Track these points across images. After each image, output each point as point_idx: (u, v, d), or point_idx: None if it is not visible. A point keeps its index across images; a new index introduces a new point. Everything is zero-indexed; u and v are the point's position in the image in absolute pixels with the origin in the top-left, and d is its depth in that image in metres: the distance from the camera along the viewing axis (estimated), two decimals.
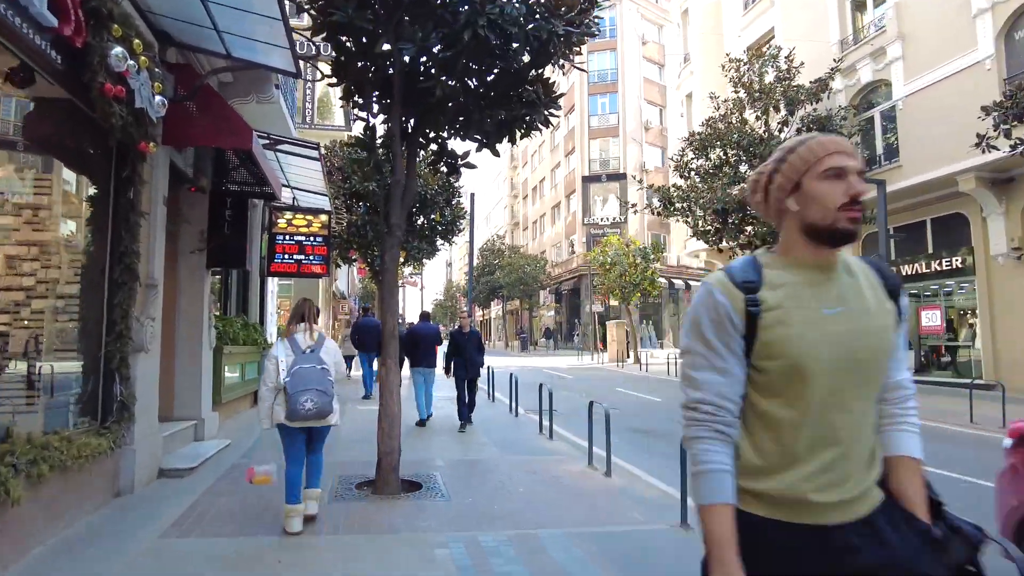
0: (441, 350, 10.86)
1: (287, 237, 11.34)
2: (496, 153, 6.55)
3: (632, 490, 5.76)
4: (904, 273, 15.25)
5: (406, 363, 9.80)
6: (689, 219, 16.92)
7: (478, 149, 6.50)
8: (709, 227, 16.91)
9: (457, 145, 6.57)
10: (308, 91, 18.05)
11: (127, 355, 5.08)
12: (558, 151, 45.47)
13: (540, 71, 5.94)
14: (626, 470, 6.65)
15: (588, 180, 40.05)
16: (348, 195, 14.77)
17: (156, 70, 5.13)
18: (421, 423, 9.14)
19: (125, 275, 5.05)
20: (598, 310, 33.41)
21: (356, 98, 6.01)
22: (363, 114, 6.27)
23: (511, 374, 10.99)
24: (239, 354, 9.06)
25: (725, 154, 17.00)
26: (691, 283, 40.18)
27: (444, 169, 6.93)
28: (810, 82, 15.61)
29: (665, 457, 7.53)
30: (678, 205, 16.99)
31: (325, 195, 10.83)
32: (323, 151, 8.97)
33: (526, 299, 46.24)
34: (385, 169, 6.29)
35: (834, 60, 15.94)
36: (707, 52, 23.81)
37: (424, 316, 11.07)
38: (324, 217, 11.46)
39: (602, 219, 39.39)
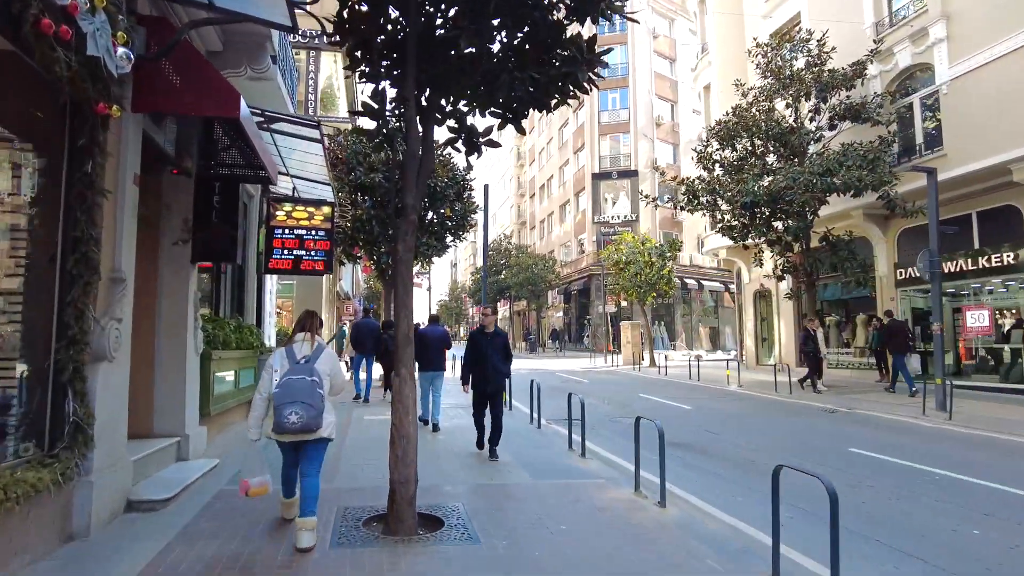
0: (450, 353, 10.29)
1: (286, 231, 10.41)
2: (521, 129, 5.63)
3: (695, 525, 4.78)
4: (945, 270, 14.22)
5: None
6: (716, 213, 15.91)
7: (501, 125, 5.58)
8: (735, 222, 15.92)
9: (476, 123, 5.65)
10: (311, 81, 17.21)
11: (83, 365, 4.13)
12: (566, 148, 44.50)
13: (581, 26, 5.00)
14: (680, 498, 5.68)
15: (598, 177, 39.05)
16: (352, 188, 13.88)
17: (120, 17, 4.19)
18: (425, 423, 8.94)
19: (81, 267, 4.11)
20: (611, 311, 32.38)
21: (363, 67, 5.08)
22: (371, 86, 5.34)
23: (532, 380, 10.01)
24: (231, 359, 8.12)
25: (752, 144, 16.02)
26: (704, 283, 39.15)
27: (462, 149, 5.95)
28: (847, 66, 14.59)
29: (716, 477, 6.59)
30: (703, 199, 15.98)
31: (328, 184, 9.90)
32: (324, 135, 8.03)
33: (533, 300, 45.26)
34: (398, 141, 5.32)
35: (874, 41, 14.92)
36: (726, 41, 22.82)
37: (433, 319, 10.44)
38: (327, 209, 10.51)
39: (613, 217, 38.38)
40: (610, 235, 37.62)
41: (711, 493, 5.94)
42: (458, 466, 6.77)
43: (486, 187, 12.29)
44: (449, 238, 15.75)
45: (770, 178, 14.62)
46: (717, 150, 16.66)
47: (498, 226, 63.07)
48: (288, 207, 10.45)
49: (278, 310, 19.40)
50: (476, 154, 5.94)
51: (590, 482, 6.06)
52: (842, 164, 13.43)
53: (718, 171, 16.67)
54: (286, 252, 10.43)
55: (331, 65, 20.48)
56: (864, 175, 13.14)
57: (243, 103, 5.30)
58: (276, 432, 4.07)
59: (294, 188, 10.62)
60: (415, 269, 33.59)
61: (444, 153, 14.81)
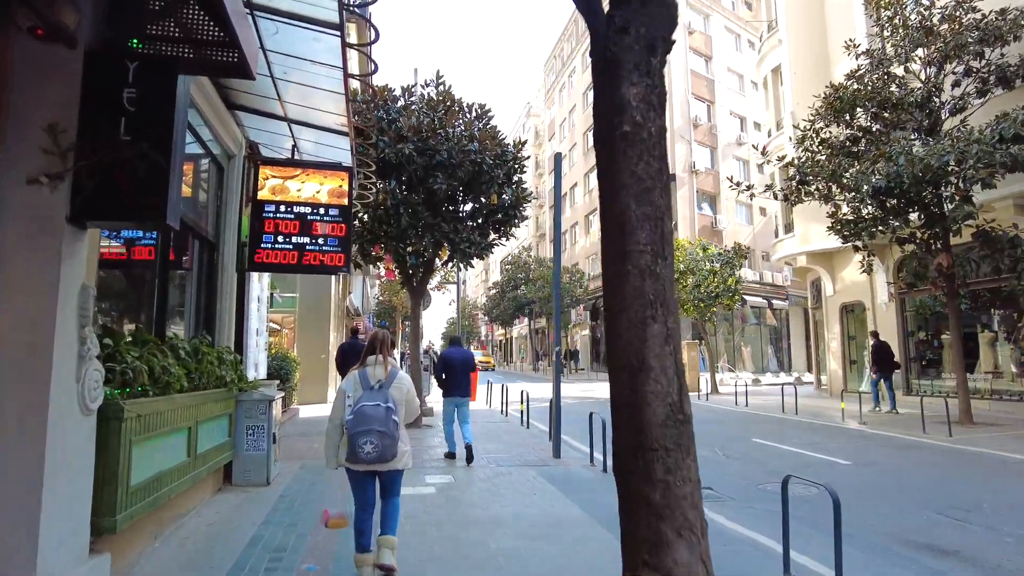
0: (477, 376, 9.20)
1: (282, 209, 7.11)
2: None
3: None
4: None
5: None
6: (841, 201, 12.50)
7: None
8: (853, 215, 12.53)
9: None
10: None
11: None
12: (592, 153, 41.26)
13: None
14: None
15: None
16: (375, 167, 10.55)
17: None
18: (450, 455, 8.32)
19: None
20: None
21: None
22: None
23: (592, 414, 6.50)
24: (178, 410, 4.67)
25: (875, 117, 12.69)
26: (748, 298, 35.46)
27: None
28: (1018, 8, 11.27)
29: None
30: (816, 184, 12.58)
31: (345, 135, 6.55)
32: (347, 27, 4.67)
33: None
34: None
35: None
36: (802, 14, 19.64)
37: (455, 340, 9.42)
38: (343, 176, 7.21)
39: None
40: None
41: None
42: None
43: (558, 156, 9.02)
44: (492, 235, 12.33)
45: (917, 151, 11.19)
46: (824, 127, 13.33)
47: (514, 239, 59.78)
48: (285, 173, 7.16)
49: (276, 327, 15.95)
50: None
51: None
52: None
53: (822, 155, 13.35)
54: (282, 240, 7.11)
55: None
56: None
57: None
58: (350, 462, 3.82)
59: (294, 146, 7.31)
60: (436, 280, 29.61)
61: (491, 125, 11.53)
